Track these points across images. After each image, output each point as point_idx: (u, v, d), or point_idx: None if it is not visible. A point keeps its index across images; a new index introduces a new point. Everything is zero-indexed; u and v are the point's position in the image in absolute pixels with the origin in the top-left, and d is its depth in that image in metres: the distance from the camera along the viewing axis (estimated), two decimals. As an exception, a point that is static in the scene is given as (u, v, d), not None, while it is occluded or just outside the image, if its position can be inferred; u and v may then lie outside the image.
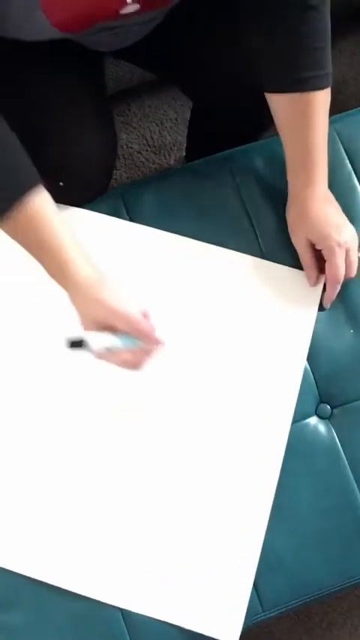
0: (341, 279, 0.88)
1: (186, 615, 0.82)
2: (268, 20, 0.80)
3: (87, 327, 0.78)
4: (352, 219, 0.90)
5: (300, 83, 0.82)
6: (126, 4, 0.78)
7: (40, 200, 0.76)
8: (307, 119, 0.84)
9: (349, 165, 0.98)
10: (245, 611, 0.83)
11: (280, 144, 0.98)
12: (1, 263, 0.91)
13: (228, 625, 0.82)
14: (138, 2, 0.78)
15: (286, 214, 0.91)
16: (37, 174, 0.77)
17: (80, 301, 0.78)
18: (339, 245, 0.86)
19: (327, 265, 0.88)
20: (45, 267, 0.79)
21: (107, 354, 0.78)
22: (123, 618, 0.82)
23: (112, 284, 0.78)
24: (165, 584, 0.83)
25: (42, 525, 0.84)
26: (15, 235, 0.78)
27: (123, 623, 0.82)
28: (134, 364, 0.79)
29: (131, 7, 0.78)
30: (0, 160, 0.75)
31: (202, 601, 0.83)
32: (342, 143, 0.97)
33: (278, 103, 0.86)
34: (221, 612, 0.83)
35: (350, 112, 0.99)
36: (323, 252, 0.88)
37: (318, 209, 0.87)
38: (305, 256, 0.89)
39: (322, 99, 0.84)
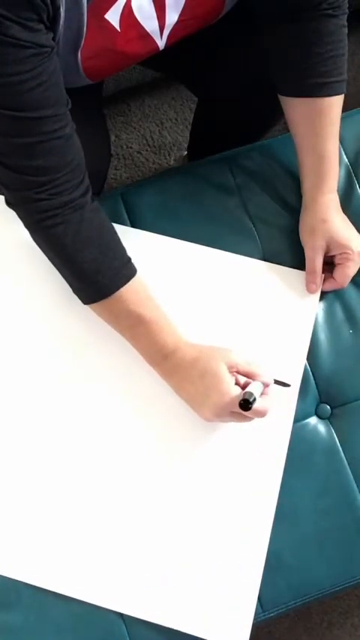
0: (345, 286, 0.90)
1: (192, 622, 0.81)
2: (286, 27, 0.81)
3: (229, 389, 0.77)
4: (350, 219, 0.90)
5: (317, 88, 0.83)
6: (158, 48, 0.81)
7: (140, 278, 0.82)
8: (321, 124, 0.85)
9: (349, 166, 0.98)
10: (253, 616, 0.82)
11: (281, 145, 0.99)
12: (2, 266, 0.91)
13: (236, 630, 0.81)
14: (166, 41, 0.82)
15: (300, 218, 0.91)
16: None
17: (204, 366, 0.79)
18: (357, 255, 0.88)
19: (338, 271, 0.89)
20: (142, 340, 0.82)
21: (261, 410, 0.77)
22: (122, 619, 0.82)
23: (204, 344, 0.82)
24: (170, 591, 0.82)
25: (43, 532, 0.83)
26: (117, 312, 0.81)
27: (123, 624, 0.82)
28: (266, 410, 0.79)
29: (160, 46, 0.82)
30: (107, 244, 0.80)
31: (209, 607, 0.82)
32: (341, 143, 0.97)
33: (293, 107, 0.87)
34: (229, 618, 0.82)
35: (350, 112, 0.99)
36: (337, 258, 0.89)
37: (337, 216, 0.89)
38: (316, 261, 0.89)
39: (336, 104, 0.85)
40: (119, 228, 0.89)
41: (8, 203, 0.78)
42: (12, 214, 0.78)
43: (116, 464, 0.85)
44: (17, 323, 0.89)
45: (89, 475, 0.85)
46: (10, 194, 0.76)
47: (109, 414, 0.87)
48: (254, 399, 0.74)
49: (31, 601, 0.82)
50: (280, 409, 0.87)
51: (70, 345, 0.89)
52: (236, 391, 0.76)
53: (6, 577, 0.82)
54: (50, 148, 0.71)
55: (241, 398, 0.75)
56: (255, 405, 0.75)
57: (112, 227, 0.82)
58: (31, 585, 0.82)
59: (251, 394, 0.75)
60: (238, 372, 0.79)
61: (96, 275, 0.79)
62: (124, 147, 1.54)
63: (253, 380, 0.79)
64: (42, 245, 0.80)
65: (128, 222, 0.95)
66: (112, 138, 1.53)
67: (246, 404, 0.74)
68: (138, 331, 0.81)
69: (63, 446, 0.86)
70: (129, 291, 0.80)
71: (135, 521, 0.84)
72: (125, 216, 0.95)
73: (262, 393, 0.79)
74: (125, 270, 0.80)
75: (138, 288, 0.81)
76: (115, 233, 0.82)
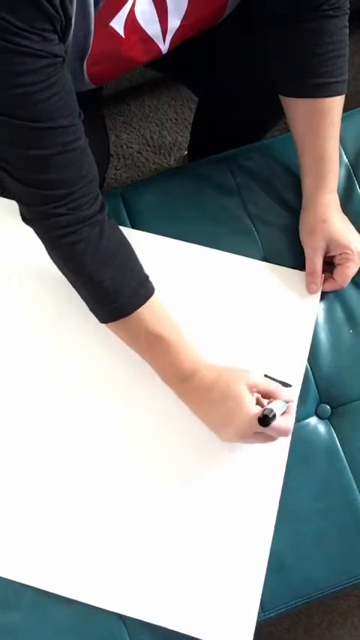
0: (345, 286, 0.90)
1: (194, 624, 0.81)
2: (286, 27, 0.81)
3: (251, 410, 0.76)
4: (350, 219, 0.90)
5: (317, 89, 0.83)
6: (161, 52, 0.82)
7: (158, 296, 0.81)
8: (321, 125, 0.85)
9: (349, 166, 0.98)
10: (256, 618, 0.82)
11: (281, 145, 0.99)
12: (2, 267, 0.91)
13: (238, 632, 0.81)
14: (169, 45, 0.82)
15: (300, 218, 0.91)
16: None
17: (224, 389, 0.78)
18: (357, 255, 0.88)
19: (338, 271, 0.89)
20: (161, 361, 0.81)
21: (284, 428, 0.77)
22: (123, 620, 0.82)
23: (222, 365, 0.81)
24: (172, 593, 0.82)
25: (43, 534, 0.83)
26: (136, 332, 0.80)
27: (123, 626, 0.82)
28: (289, 428, 0.78)
29: (163, 50, 0.83)
30: (126, 263, 0.79)
31: (211, 608, 0.81)
32: (341, 143, 0.96)
33: (294, 107, 0.87)
34: (231, 620, 0.81)
35: (350, 112, 0.99)
36: (337, 258, 0.89)
37: (337, 216, 0.89)
38: (316, 261, 0.89)
39: (337, 105, 0.85)
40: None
41: (24, 219, 0.77)
42: (13, 223, 0.78)
43: (116, 463, 0.85)
44: (21, 329, 0.89)
45: (89, 475, 0.85)
46: (26, 209, 0.75)
47: (109, 415, 0.87)
48: (274, 415, 0.73)
49: (30, 601, 0.82)
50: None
51: (74, 351, 0.88)
52: (258, 411, 0.75)
53: (6, 578, 0.82)
54: (66, 161, 0.70)
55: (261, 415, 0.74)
56: (277, 423, 0.74)
57: (130, 245, 0.81)
58: (31, 586, 0.82)
59: (271, 410, 0.74)
60: (259, 392, 0.79)
61: (114, 294, 0.77)
62: (124, 147, 1.54)
63: (274, 399, 0.78)
64: (59, 262, 0.79)
65: (128, 222, 0.95)
66: (112, 138, 1.53)
67: (265, 420, 0.73)
68: (156, 352, 0.81)
69: (63, 447, 0.86)
70: (148, 309, 0.79)
71: (136, 523, 0.84)
72: (125, 216, 0.95)
73: (284, 412, 0.78)
74: (144, 290, 0.79)
75: (156, 307, 0.80)
76: (133, 250, 0.81)
